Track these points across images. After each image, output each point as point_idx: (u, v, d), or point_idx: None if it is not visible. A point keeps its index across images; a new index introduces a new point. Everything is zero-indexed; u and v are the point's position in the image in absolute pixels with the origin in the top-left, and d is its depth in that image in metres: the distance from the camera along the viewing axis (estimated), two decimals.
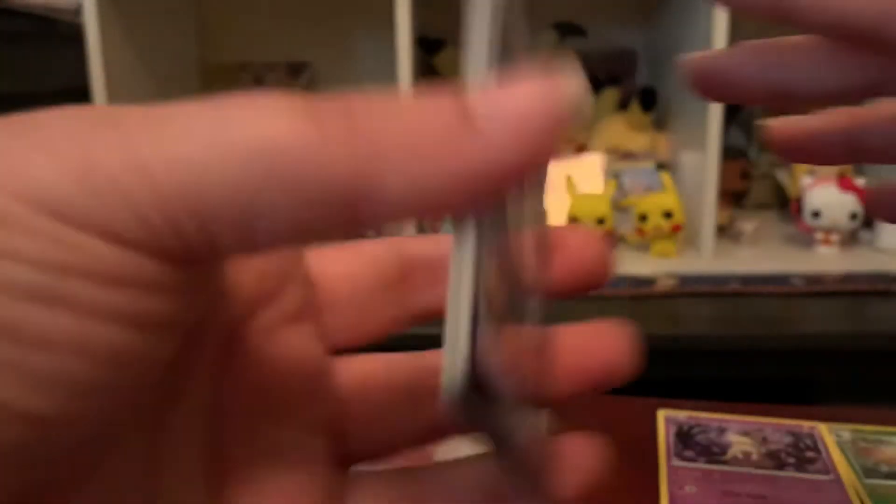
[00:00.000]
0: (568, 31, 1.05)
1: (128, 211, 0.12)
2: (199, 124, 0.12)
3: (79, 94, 0.88)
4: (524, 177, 0.13)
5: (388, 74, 0.94)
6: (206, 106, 0.13)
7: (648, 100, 1.03)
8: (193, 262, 0.13)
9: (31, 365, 0.11)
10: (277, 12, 1.15)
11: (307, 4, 1.14)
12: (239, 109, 0.12)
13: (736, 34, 0.83)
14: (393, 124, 0.13)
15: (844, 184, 0.88)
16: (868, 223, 0.91)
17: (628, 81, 1.15)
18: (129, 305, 0.12)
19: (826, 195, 0.88)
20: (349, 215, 0.13)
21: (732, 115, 1.11)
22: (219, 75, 1.16)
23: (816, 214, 0.88)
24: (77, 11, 0.86)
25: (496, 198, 0.13)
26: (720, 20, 0.81)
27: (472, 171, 0.13)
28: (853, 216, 0.88)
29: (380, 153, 0.12)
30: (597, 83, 1.11)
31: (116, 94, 0.86)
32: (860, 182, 0.89)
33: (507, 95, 0.13)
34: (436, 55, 1.04)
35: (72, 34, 0.89)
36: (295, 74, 1.16)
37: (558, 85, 0.13)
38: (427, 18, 1.01)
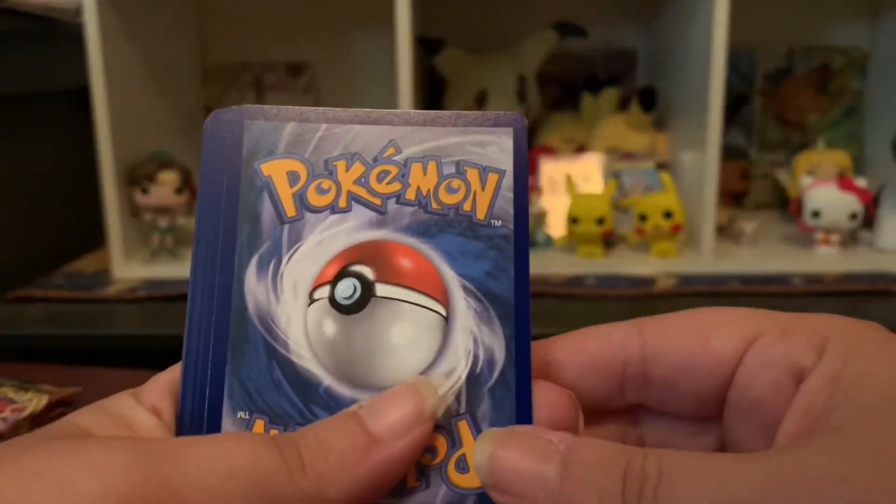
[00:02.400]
0: (568, 31, 1.05)
1: None
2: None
3: (79, 94, 0.88)
4: (417, 454, 0.21)
5: (387, 74, 0.94)
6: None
7: (648, 100, 1.03)
8: None
9: None
10: (277, 12, 1.15)
11: (307, 4, 1.14)
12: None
13: (736, 34, 0.83)
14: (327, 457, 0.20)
15: (844, 184, 0.88)
16: (868, 223, 0.91)
17: (628, 81, 1.15)
18: None
19: (826, 195, 0.88)
20: None
21: (732, 115, 1.11)
22: (219, 75, 1.16)
23: (816, 214, 0.88)
24: (77, 11, 0.86)
25: (402, 474, 0.21)
26: (720, 20, 0.81)
27: (383, 464, 0.20)
28: (853, 216, 0.88)
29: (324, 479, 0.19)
30: (597, 83, 1.11)
31: (116, 94, 0.86)
32: (860, 182, 0.89)
33: (393, 415, 0.20)
34: (436, 55, 1.04)
35: (72, 34, 0.89)
36: (295, 74, 1.16)
37: (426, 398, 0.21)
38: (427, 18, 1.01)
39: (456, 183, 0.23)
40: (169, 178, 0.88)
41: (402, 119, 0.24)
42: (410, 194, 0.23)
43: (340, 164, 0.23)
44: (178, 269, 0.89)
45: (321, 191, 0.23)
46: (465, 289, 0.23)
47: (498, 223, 0.23)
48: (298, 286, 0.22)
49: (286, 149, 0.23)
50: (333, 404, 0.22)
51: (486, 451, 0.20)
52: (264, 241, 0.22)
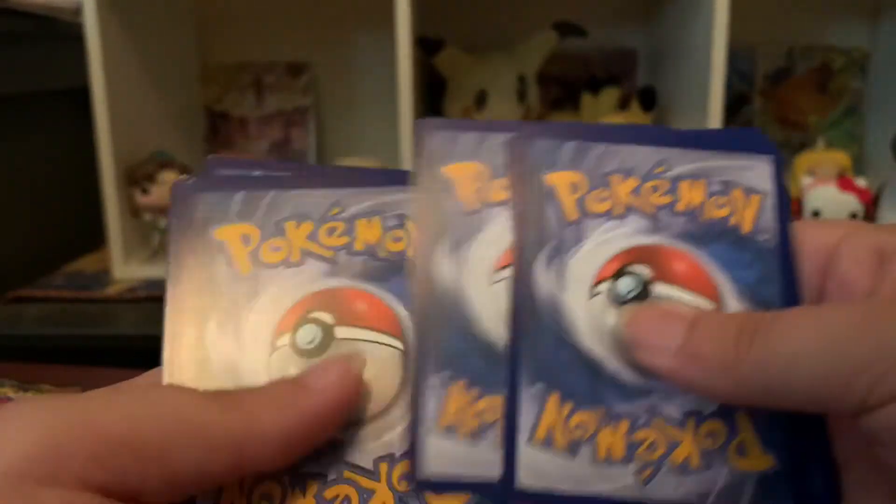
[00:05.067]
0: (568, 31, 1.05)
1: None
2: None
3: (79, 94, 0.88)
4: (348, 409, 0.23)
5: (388, 74, 0.94)
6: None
7: (648, 100, 1.03)
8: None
9: None
10: (277, 12, 1.15)
11: (307, 4, 1.14)
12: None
13: (736, 35, 0.83)
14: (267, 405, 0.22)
15: (844, 184, 0.88)
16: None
17: (628, 81, 1.15)
18: None
19: (826, 195, 0.88)
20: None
21: (732, 115, 1.11)
22: (218, 75, 1.16)
23: (816, 214, 0.88)
24: (77, 11, 0.86)
25: (334, 424, 0.23)
26: (720, 20, 0.81)
27: (312, 409, 0.22)
28: (853, 216, 0.88)
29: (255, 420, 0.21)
30: (597, 83, 1.11)
31: (116, 94, 0.86)
32: (860, 182, 0.89)
33: (323, 373, 0.23)
34: (436, 55, 1.04)
35: (72, 34, 0.89)
36: (295, 74, 1.16)
37: (354, 362, 0.23)
38: (427, 18, 1.01)
39: (721, 200, 0.25)
40: (169, 178, 0.88)
41: (670, 139, 0.26)
42: (680, 207, 0.25)
43: (616, 178, 0.25)
44: None
45: (600, 200, 0.25)
46: (739, 293, 0.24)
47: (764, 237, 0.25)
48: (581, 280, 0.24)
49: (568, 163, 0.25)
50: (620, 386, 0.24)
51: (628, 314, 0.23)
52: (551, 239, 0.25)
